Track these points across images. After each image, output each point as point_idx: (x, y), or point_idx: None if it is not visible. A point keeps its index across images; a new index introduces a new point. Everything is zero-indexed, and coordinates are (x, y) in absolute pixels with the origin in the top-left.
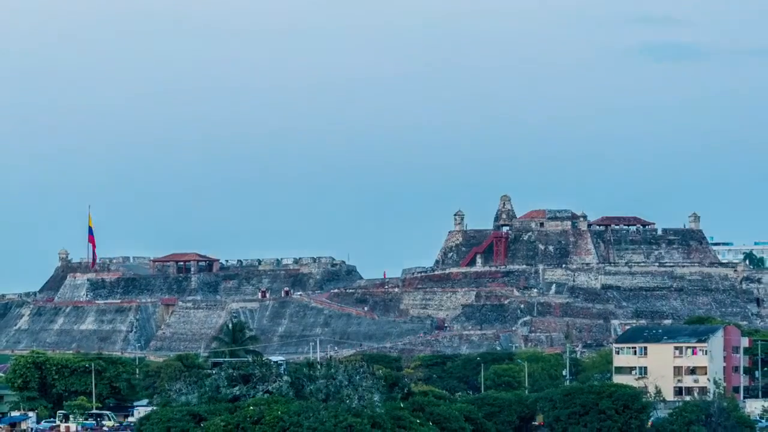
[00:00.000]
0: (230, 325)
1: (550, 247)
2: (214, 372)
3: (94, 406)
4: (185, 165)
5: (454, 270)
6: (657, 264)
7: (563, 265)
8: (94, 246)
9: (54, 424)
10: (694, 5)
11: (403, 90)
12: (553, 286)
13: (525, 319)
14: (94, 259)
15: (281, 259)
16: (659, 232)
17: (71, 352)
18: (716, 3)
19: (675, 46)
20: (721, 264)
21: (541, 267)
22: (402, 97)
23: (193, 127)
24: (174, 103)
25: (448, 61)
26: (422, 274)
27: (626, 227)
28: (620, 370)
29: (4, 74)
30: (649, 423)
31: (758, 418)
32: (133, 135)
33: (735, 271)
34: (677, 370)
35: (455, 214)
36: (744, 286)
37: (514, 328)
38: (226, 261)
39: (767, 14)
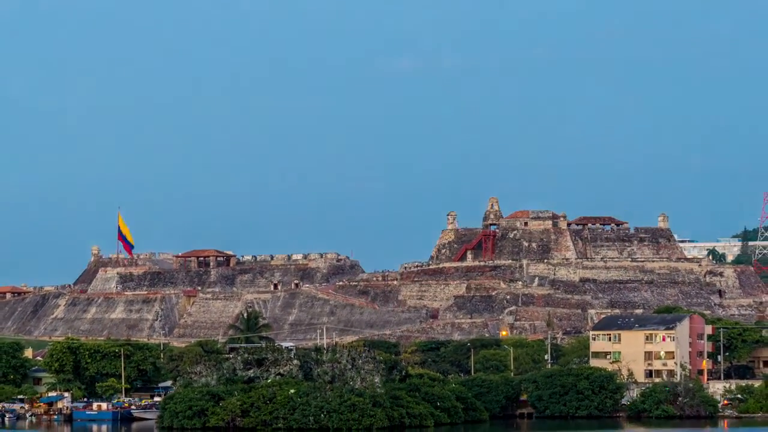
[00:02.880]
0: (245, 315)
1: (534, 244)
2: (231, 356)
3: (123, 387)
4: (205, 170)
5: (447, 265)
6: (629, 259)
7: (545, 260)
8: (129, 248)
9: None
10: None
11: (402, 99)
12: (536, 279)
13: (511, 308)
14: (130, 250)
15: (291, 254)
16: (631, 231)
17: (102, 338)
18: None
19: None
20: (687, 259)
21: (525, 262)
22: (401, 106)
23: (210, 137)
24: (188, 112)
25: (443, 72)
26: (418, 268)
27: (602, 226)
28: (596, 354)
29: (37, 78)
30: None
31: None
32: (157, 142)
33: (699, 265)
34: (648, 355)
35: (448, 214)
36: (708, 279)
37: (501, 317)
38: (242, 256)
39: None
